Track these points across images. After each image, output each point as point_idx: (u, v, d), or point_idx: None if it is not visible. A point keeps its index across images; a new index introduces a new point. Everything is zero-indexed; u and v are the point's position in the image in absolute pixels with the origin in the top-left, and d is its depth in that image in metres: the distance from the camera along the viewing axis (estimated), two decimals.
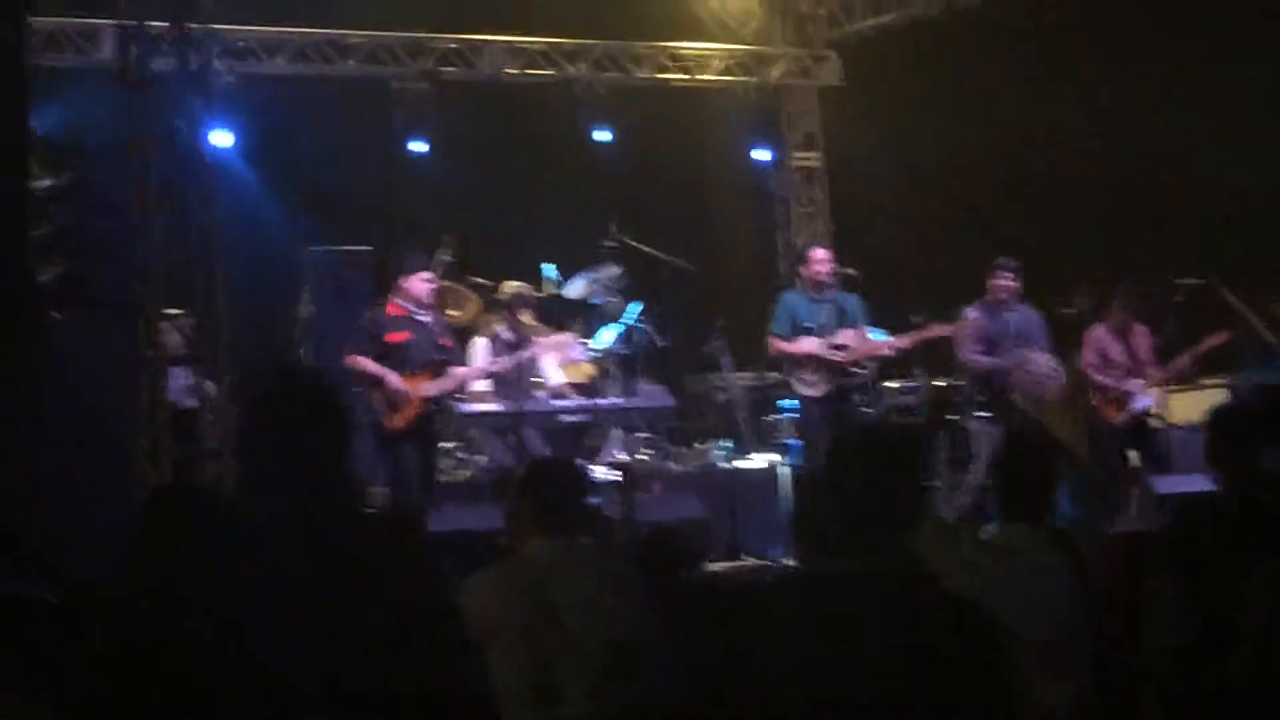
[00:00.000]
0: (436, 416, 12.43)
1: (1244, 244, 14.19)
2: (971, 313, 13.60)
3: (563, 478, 6.11)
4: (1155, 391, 13.62)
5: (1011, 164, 16.18)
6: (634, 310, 13.94)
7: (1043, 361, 13.49)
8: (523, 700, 5.48)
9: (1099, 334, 13.75)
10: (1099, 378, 13.63)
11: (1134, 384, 13.52)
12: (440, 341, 12.52)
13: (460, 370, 12.57)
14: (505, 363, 13.03)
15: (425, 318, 12.46)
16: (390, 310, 12.40)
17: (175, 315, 12.35)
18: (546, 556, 5.77)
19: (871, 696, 3.78)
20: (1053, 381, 13.51)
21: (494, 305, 13.94)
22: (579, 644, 5.58)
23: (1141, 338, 13.68)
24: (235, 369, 12.08)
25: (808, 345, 13.23)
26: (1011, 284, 13.62)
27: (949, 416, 13.91)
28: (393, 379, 12.08)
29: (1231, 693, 5.04)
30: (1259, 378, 13.25)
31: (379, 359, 12.14)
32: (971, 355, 13.61)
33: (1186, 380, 14.12)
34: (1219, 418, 6.03)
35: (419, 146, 16.36)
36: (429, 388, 12.22)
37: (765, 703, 3.85)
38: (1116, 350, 13.65)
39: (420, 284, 12.42)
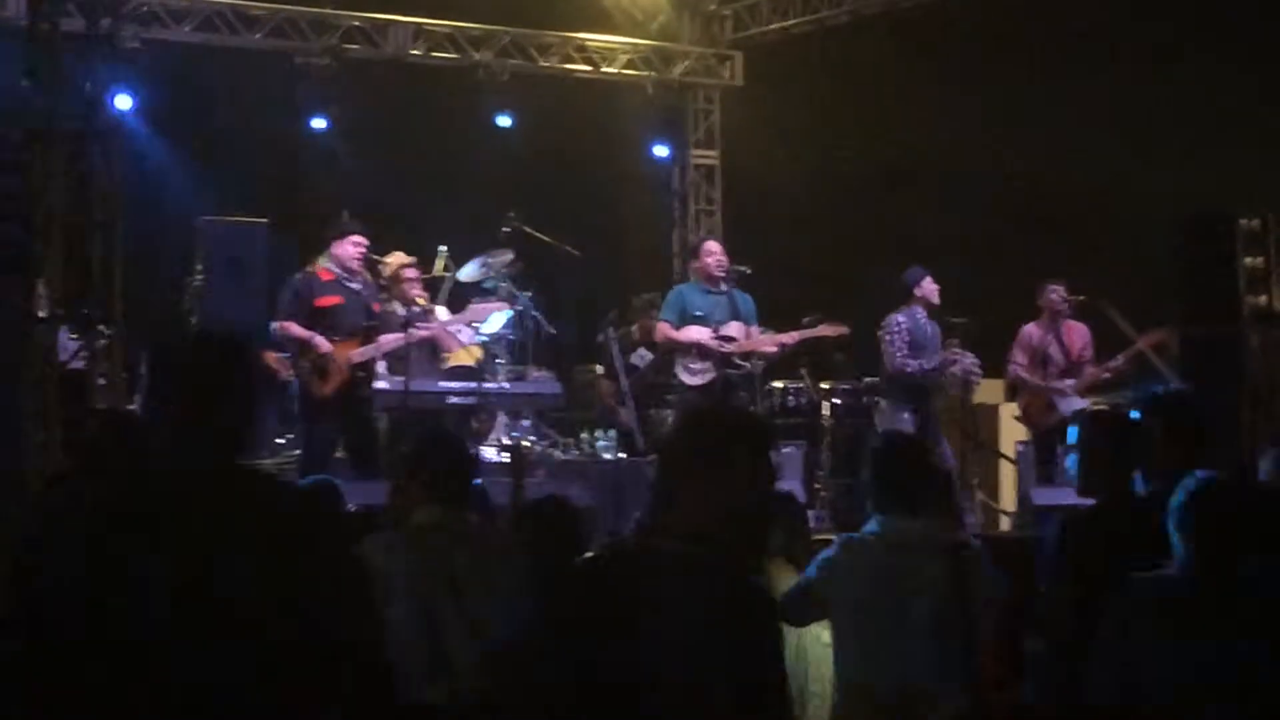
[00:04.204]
0: (364, 384, 12.21)
1: (1135, 261, 14.27)
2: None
3: (451, 451, 6.18)
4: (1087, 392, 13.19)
5: (905, 169, 16.35)
6: (525, 297, 13.96)
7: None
8: (412, 670, 5.52)
9: (1029, 331, 13.60)
10: (1026, 378, 13.51)
11: (1064, 384, 13.33)
12: (371, 307, 12.41)
13: (386, 338, 12.31)
14: (401, 339, 12.49)
15: (355, 284, 12.34)
16: (321, 275, 12.28)
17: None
18: (435, 525, 5.83)
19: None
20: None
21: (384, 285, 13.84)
22: (471, 615, 5.63)
23: (1076, 334, 13.50)
24: (127, 333, 12.00)
25: (695, 333, 13.33)
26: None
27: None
28: (321, 342, 11.94)
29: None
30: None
31: (308, 324, 12.01)
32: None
33: (1122, 380, 13.36)
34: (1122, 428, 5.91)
35: (321, 122, 16.33)
36: (357, 354, 12.07)
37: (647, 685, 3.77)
38: (1049, 346, 13.46)
39: (352, 248, 12.27)
